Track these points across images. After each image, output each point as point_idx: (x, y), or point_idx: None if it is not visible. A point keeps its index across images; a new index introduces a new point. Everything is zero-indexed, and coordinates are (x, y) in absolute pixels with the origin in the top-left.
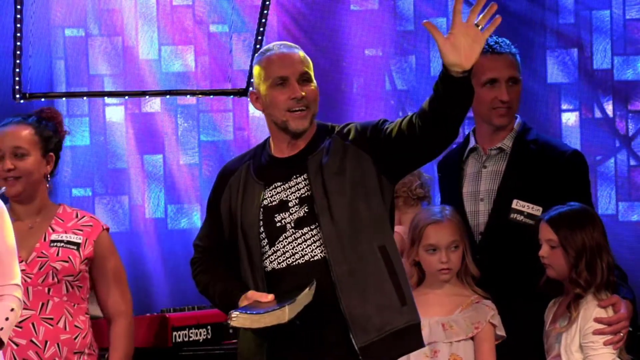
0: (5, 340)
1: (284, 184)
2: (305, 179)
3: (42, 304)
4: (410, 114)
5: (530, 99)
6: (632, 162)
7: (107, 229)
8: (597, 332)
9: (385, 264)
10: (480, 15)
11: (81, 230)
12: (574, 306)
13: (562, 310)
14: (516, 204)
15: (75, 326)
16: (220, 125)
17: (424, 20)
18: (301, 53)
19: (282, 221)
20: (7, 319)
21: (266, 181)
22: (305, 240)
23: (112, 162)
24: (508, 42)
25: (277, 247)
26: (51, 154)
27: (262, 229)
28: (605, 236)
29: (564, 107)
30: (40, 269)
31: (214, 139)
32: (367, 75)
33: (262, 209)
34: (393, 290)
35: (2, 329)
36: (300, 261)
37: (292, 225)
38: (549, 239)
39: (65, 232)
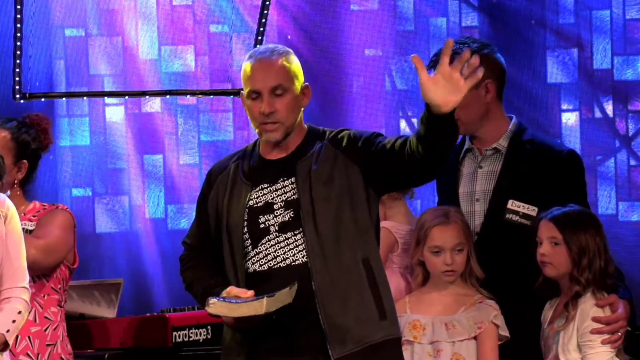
0: (10, 342)
1: (271, 186)
2: (292, 183)
3: None
4: (404, 136)
5: (530, 99)
6: (632, 162)
7: (66, 210)
8: (594, 331)
9: (367, 277)
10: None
11: (35, 217)
12: (572, 304)
13: (560, 310)
14: (512, 204)
15: (46, 317)
16: (220, 125)
17: (413, 55)
18: (280, 61)
19: (266, 223)
20: (13, 321)
21: (253, 182)
22: (288, 245)
23: (112, 162)
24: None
25: (260, 249)
26: (24, 161)
27: (245, 229)
28: (606, 241)
29: (564, 107)
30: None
31: (214, 139)
32: (367, 75)
33: (247, 210)
34: (373, 303)
35: (8, 331)
36: (281, 264)
37: (276, 228)
38: (552, 237)
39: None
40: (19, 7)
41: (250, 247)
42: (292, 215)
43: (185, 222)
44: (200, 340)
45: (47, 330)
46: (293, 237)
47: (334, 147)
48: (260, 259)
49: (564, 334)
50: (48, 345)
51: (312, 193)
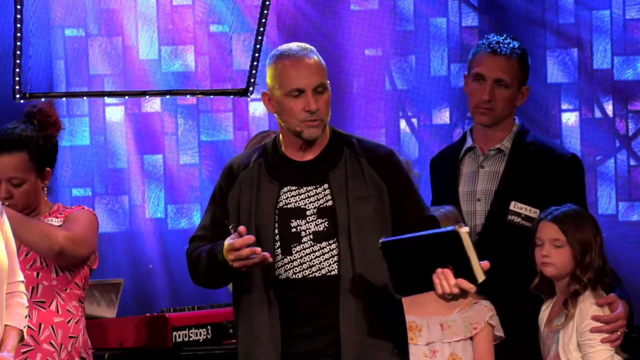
0: (25, 337)
1: (299, 189)
2: (325, 190)
3: (33, 288)
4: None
5: (530, 99)
6: (632, 162)
7: (92, 212)
8: (594, 330)
9: (388, 303)
10: None
11: (61, 214)
12: (571, 303)
13: (557, 309)
14: (514, 205)
15: (68, 310)
16: (220, 125)
17: None
18: (316, 58)
19: (298, 228)
20: (26, 317)
21: (280, 182)
22: (324, 254)
23: (112, 162)
24: (515, 45)
25: (295, 256)
26: (47, 169)
27: (276, 231)
28: (603, 240)
29: (564, 107)
30: (27, 255)
31: (214, 139)
32: (367, 75)
33: (277, 211)
34: (388, 329)
35: (25, 326)
36: (317, 274)
37: (311, 237)
38: (555, 239)
39: (48, 218)
40: (19, 7)
41: (279, 251)
42: (326, 225)
43: (185, 222)
44: (200, 340)
45: (70, 322)
46: (328, 247)
47: (369, 164)
48: (295, 266)
49: (563, 333)
50: (71, 337)
51: (350, 209)
